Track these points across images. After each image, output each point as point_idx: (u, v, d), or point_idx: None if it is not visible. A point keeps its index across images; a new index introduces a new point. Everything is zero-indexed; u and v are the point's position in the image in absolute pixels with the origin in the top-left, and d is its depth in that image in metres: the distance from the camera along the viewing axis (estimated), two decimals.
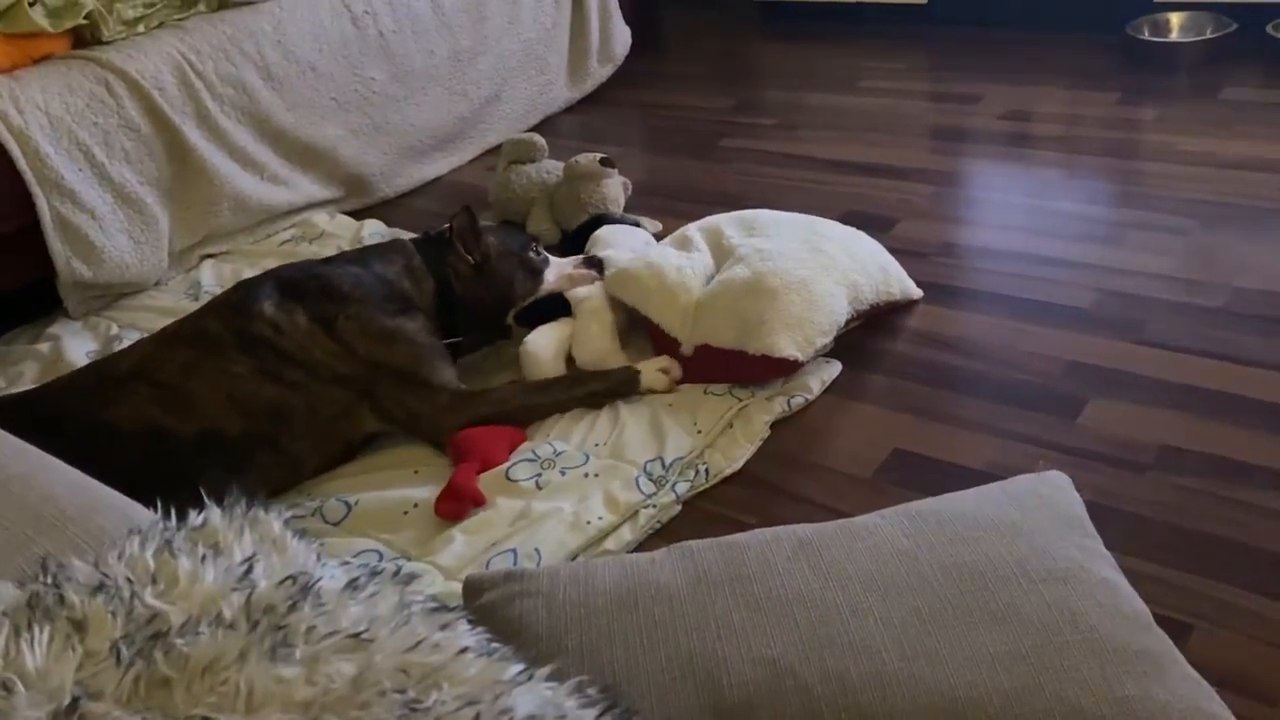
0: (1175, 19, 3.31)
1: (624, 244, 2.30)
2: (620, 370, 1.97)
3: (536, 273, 2.13)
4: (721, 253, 2.11)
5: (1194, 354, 1.91)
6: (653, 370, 1.96)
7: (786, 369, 1.90)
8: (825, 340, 1.94)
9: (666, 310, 2.00)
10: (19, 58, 2.47)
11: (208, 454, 1.77)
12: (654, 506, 1.70)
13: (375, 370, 1.87)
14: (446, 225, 2.11)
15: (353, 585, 0.81)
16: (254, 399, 1.80)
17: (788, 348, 1.87)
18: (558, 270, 2.15)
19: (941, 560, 1.14)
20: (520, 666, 0.77)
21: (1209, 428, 1.73)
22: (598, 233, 2.38)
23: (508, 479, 1.77)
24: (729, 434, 1.83)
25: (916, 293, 2.17)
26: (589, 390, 1.94)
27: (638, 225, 2.48)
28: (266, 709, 0.70)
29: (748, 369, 1.90)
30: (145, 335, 2.02)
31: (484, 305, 2.08)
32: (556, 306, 2.10)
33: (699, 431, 1.83)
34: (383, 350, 1.88)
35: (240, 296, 1.91)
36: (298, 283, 1.93)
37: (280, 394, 1.81)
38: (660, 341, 2.03)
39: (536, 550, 1.61)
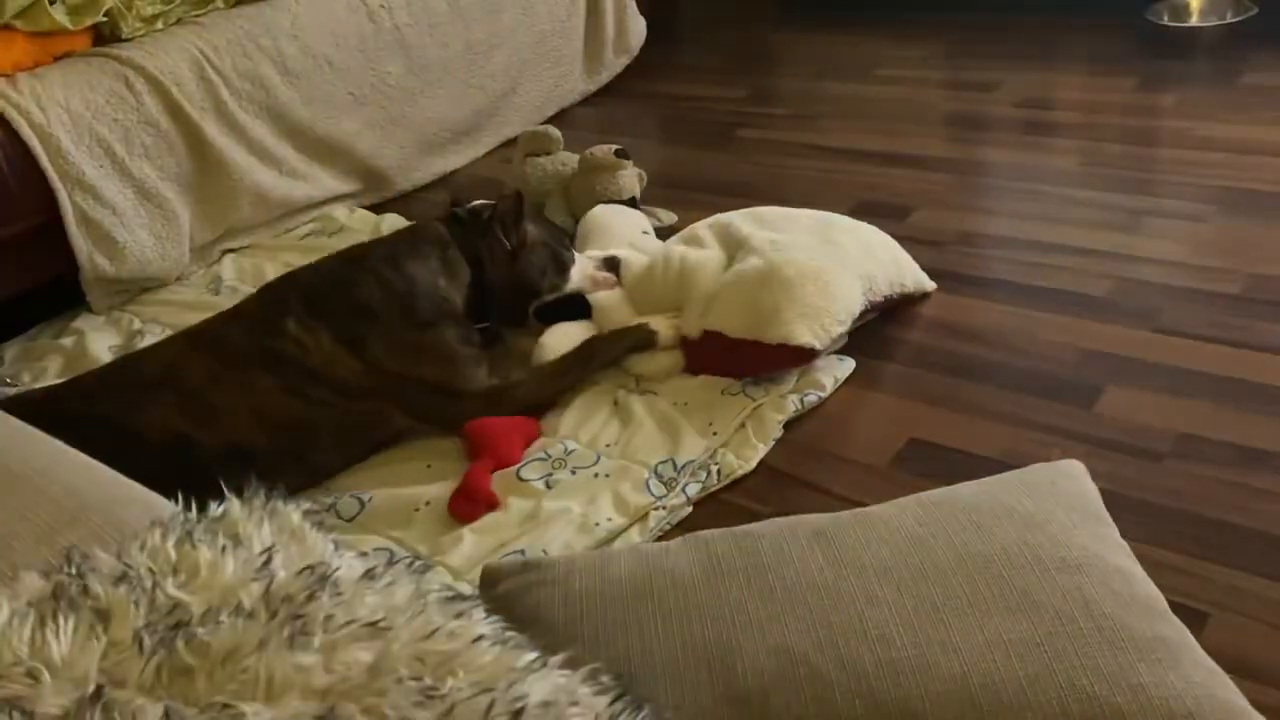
0: (1195, 3, 3.28)
1: (617, 228, 2.33)
2: (635, 328, 2.00)
3: (564, 269, 2.13)
4: (733, 246, 2.10)
5: (1211, 341, 1.90)
6: (665, 324, 2.00)
7: (804, 358, 1.88)
8: (842, 329, 1.93)
9: (681, 303, 2.02)
10: (40, 55, 2.50)
11: (233, 467, 1.72)
12: (664, 509, 1.69)
13: (403, 381, 1.86)
14: (478, 202, 2.11)
15: (369, 575, 0.83)
16: (280, 414, 1.78)
17: (804, 336, 1.85)
18: (581, 270, 2.15)
19: (956, 549, 1.14)
20: (534, 654, 0.78)
21: (1226, 415, 1.73)
22: (592, 212, 2.40)
23: (519, 478, 1.77)
24: (742, 433, 1.82)
25: (929, 285, 2.16)
26: (608, 357, 1.97)
27: (635, 204, 2.50)
28: (286, 696, 0.71)
29: (763, 359, 1.89)
30: (168, 330, 2.01)
31: (509, 293, 2.08)
32: (574, 309, 2.11)
33: (714, 433, 1.82)
34: (412, 364, 1.86)
35: (266, 312, 1.88)
36: (324, 296, 1.88)
37: (306, 411, 1.80)
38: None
39: (544, 552, 1.61)
